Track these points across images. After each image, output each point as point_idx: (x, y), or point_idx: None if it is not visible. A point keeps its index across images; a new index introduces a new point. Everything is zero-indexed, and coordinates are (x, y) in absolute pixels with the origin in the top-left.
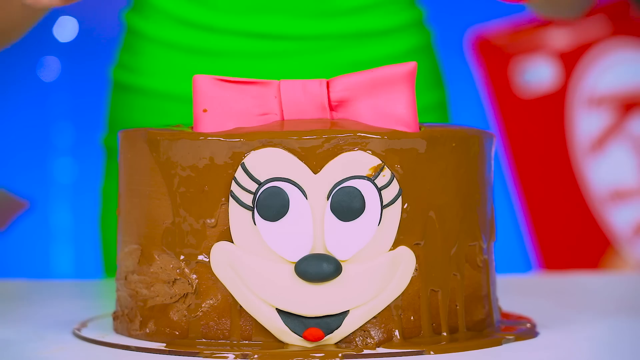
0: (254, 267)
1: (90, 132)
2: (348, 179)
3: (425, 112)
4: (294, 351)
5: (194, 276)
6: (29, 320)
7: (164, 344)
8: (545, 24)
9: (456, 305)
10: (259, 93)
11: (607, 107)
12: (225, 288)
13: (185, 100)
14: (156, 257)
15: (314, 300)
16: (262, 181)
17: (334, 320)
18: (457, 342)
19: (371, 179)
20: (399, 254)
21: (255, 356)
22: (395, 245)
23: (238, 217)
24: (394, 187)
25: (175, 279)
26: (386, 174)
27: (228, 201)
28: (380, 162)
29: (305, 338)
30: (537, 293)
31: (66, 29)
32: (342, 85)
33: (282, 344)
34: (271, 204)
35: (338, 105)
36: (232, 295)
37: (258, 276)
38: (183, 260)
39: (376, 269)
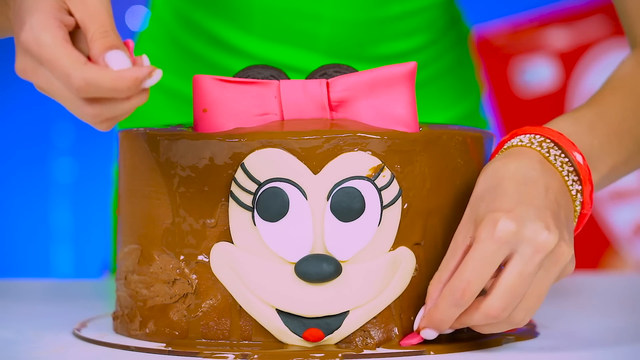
0: (254, 267)
1: (90, 132)
2: (348, 179)
3: (461, 121)
4: (294, 351)
5: (194, 276)
6: (29, 320)
7: (164, 344)
8: (545, 24)
9: None
10: (259, 93)
11: None
12: (225, 288)
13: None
14: (156, 257)
15: (314, 300)
16: (262, 182)
17: (334, 321)
18: (457, 342)
19: (371, 179)
20: (399, 254)
21: (255, 356)
22: (395, 245)
23: (238, 217)
24: (394, 188)
25: (175, 279)
26: (386, 174)
27: (228, 201)
28: (380, 162)
29: (305, 338)
30: None
31: None
32: (342, 86)
33: (282, 344)
34: (271, 205)
35: (338, 105)
36: (232, 296)
37: (258, 277)
38: (183, 260)
39: (376, 269)
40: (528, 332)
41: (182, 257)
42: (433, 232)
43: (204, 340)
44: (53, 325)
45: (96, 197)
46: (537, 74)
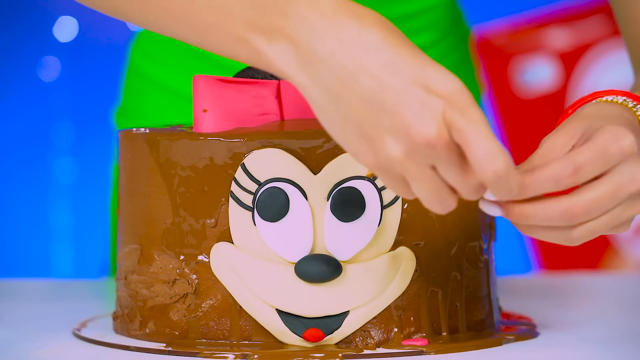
0: (254, 267)
1: (90, 132)
2: (348, 179)
3: None
4: (294, 351)
5: (194, 276)
6: (29, 320)
7: (164, 344)
8: (545, 24)
9: (456, 305)
10: (259, 93)
11: None
12: (225, 288)
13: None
14: (156, 257)
15: (314, 300)
16: (262, 182)
17: (334, 321)
18: (457, 342)
19: (371, 179)
20: (399, 255)
21: (255, 356)
22: (395, 245)
23: (238, 217)
24: None
25: (175, 279)
26: None
27: (228, 201)
28: None
29: (305, 339)
30: (537, 293)
31: (66, 29)
32: None
33: (282, 344)
34: (271, 205)
35: None
36: (232, 296)
37: (258, 277)
38: (183, 260)
39: (376, 269)
40: (528, 332)
41: (182, 257)
42: (433, 232)
43: (204, 340)
44: (53, 325)
45: (96, 197)
46: (537, 74)
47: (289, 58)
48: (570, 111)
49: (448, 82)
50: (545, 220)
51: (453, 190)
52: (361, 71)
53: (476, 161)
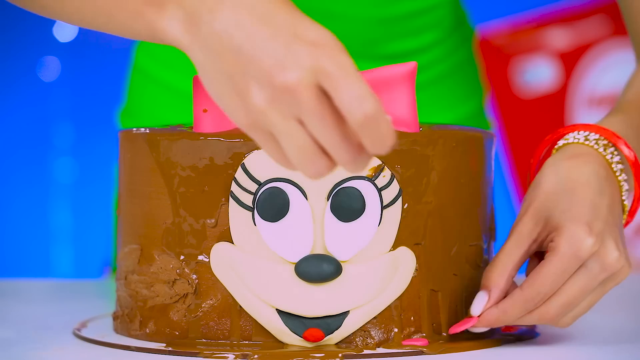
0: (254, 267)
1: (90, 132)
2: (348, 179)
3: (466, 121)
4: (294, 351)
5: (194, 276)
6: (29, 320)
7: (164, 344)
8: (545, 24)
9: (456, 305)
10: None
11: (607, 107)
12: (225, 288)
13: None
14: (156, 257)
15: (314, 300)
16: (262, 182)
17: (334, 321)
18: (457, 342)
19: (371, 179)
20: (399, 255)
21: (255, 356)
22: (395, 245)
23: (238, 217)
24: (394, 188)
25: (175, 279)
26: (386, 174)
27: (228, 201)
28: (380, 162)
29: (306, 338)
30: None
31: (66, 29)
32: None
33: (282, 344)
34: (271, 205)
35: None
36: (232, 296)
37: (258, 277)
38: (183, 260)
39: (376, 269)
40: (528, 332)
41: (182, 257)
42: (433, 232)
43: (204, 340)
44: (53, 325)
45: (96, 197)
46: (537, 74)
47: (177, 24)
48: (541, 152)
49: (319, 31)
50: (528, 324)
51: (326, 154)
52: (235, 26)
53: (345, 104)
